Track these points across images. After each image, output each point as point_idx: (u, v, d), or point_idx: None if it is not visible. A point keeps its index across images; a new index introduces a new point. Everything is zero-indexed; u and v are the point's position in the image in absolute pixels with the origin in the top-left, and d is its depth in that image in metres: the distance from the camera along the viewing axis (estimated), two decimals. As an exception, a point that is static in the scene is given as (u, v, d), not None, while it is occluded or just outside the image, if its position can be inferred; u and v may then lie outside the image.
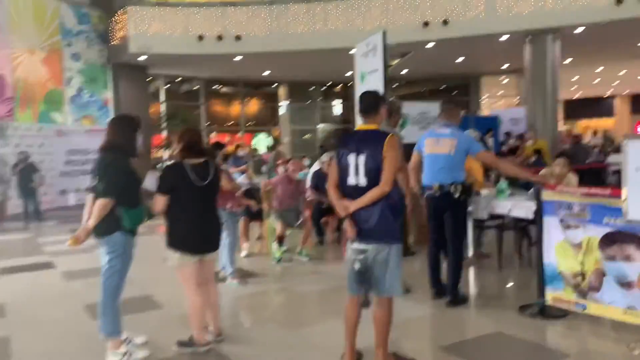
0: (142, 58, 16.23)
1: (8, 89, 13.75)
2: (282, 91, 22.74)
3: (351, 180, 3.43)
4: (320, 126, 22.91)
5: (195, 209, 3.84)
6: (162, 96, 19.82)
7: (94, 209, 3.71)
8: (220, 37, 15.40)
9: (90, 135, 16.18)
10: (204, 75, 20.12)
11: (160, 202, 3.79)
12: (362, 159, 3.38)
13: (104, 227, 3.76)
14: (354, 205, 3.37)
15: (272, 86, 22.96)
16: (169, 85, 20.22)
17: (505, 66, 20.12)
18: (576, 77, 22.64)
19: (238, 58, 16.59)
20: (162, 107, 19.69)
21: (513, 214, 5.56)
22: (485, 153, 4.64)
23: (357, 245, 3.40)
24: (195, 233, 3.83)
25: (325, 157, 8.61)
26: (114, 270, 3.86)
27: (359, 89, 7.74)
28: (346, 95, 23.72)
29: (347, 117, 23.41)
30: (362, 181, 3.38)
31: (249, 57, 16.33)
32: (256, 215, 7.53)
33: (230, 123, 23.09)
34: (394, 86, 21.68)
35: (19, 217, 12.26)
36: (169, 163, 4.24)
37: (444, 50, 16.46)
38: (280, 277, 6.40)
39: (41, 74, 14.78)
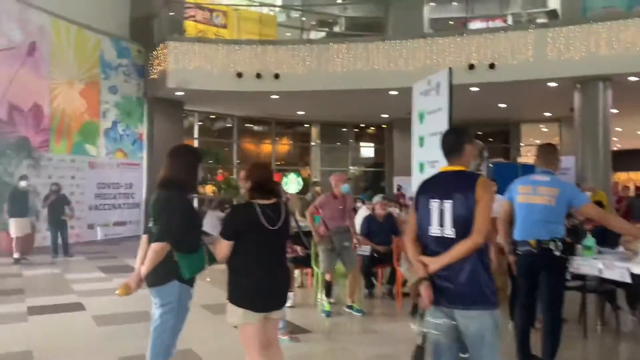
0: (179, 93, 16.06)
1: (45, 120, 13.59)
2: (313, 131, 22.43)
3: (434, 230, 2.84)
4: (352, 169, 22.41)
5: (264, 257, 3.28)
6: (196, 132, 19.61)
7: (148, 254, 3.20)
8: (259, 75, 15.17)
9: (121, 169, 15.96)
10: (237, 113, 19.92)
11: (223, 249, 3.25)
12: (448, 205, 2.80)
13: (158, 275, 3.24)
14: (437, 262, 2.77)
15: (304, 126, 22.68)
16: (202, 122, 20.05)
17: (548, 114, 19.57)
18: (619, 129, 21.88)
19: (275, 97, 16.34)
20: (196, 144, 19.42)
21: (605, 276, 4.89)
22: (591, 206, 4.01)
23: (437, 314, 2.79)
24: (262, 286, 3.26)
25: (377, 199, 8.06)
26: (166, 327, 3.31)
27: (416, 130, 7.24)
28: (379, 137, 23.32)
29: (380, 160, 22.94)
30: (449, 232, 2.79)
31: (286, 95, 16.06)
32: (302, 262, 6.94)
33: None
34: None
35: (46, 250, 11.86)
36: (236, 203, 3.69)
37: (488, 95, 15.97)
38: (332, 334, 5.74)
39: (78, 106, 14.64)
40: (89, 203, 14.68)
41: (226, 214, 3.35)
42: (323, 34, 21.29)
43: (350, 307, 6.37)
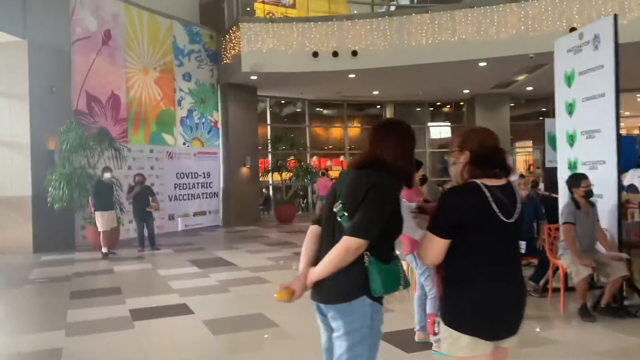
0: (253, 77, 15.29)
1: (122, 110, 13.09)
2: (387, 112, 21.24)
3: None
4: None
5: (499, 262, 2.26)
6: (268, 118, 18.85)
7: (332, 252, 2.24)
8: (335, 54, 14.17)
9: (198, 158, 15.38)
10: (309, 96, 19.02)
11: (435, 250, 2.22)
12: None
13: (342, 287, 2.27)
14: None
15: (377, 107, 21.54)
16: (272, 107, 19.27)
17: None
18: None
19: (352, 76, 15.30)
20: (268, 130, 18.69)
21: None
22: None
23: None
24: (497, 303, 2.22)
25: (513, 178, 6.89)
26: (359, 364, 2.33)
27: (561, 94, 6.04)
28: (457, 116, 21.89)
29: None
30: None
31: (364, 74, 15.00)
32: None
33: (330, 147, 21.83)
34: (512, 105, 19.64)
35: (130, 243, 11.37)
36: (450, 185, 2.54)
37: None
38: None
39: (154, 94, 14.10)
40: (168, 193, 14.17)
41: (440, 200, 2.33)
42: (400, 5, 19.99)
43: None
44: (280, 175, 16.79)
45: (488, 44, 13.42)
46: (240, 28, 14.44)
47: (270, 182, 18.59)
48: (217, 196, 15.92)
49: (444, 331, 2.25)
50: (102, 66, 12.56)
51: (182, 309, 5.81)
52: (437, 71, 14.93)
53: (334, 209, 2.32)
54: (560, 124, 6.05)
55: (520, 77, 16.96)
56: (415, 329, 4.53)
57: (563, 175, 5.94)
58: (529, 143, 23.05)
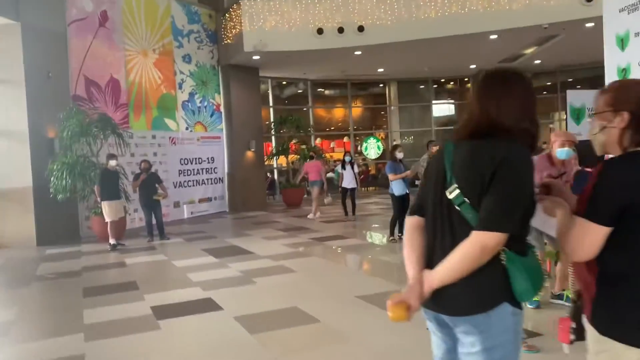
0: (256, 58, 14.67)
1: (123, 94, 12.48)
2: (390, 91, 20.68)
3: None
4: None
5: None
6: (271, 100, 18.25)
7: (464, 252, 1.73)
8: (341, 30, 13.57)
9: (202, 143, 14.83)
10: (312, 76, 18.41)
11: (594, 240, 1.70)
12: None
13: (476, 293, 1.76)
14: None
15: (379, 86, 20.96)
16: (274, 88, 18.66)
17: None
18: None
19: (358, 53, 14.71)
20: (271, 112, 18.11)
21: None
22: None
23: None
24: None
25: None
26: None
27: (612, 60, 5.53)
28: (461, 93, 21.35)
29: (457, 119, 20.98)
30: None
31: (371, 50, 14.41)
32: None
33: (332, 127, 21.32)
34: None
35: (137, 233, 10.87)
36: (614, 156, 1.93)
37: (600, 31, 13.79)
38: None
39: (154, 78, 13.47)
40: (173, 180, 13.63)
41: (598, 177, 1.78)
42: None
43: (558, 296, 4.80)
44: (287, 158, 16.26)
45: (500, 15, 12.86)
46: (241, 6, 13.79)
47: (275, 165, 18.07)
48: (222, 182, 15.39)
49: (597, 343, 1.75)
50: (99, 49, 11.93)
51: (209, 305, 5.32)
52: (446, 45, 14.35)
53: (449, 196, 1.80)
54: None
55: (529, 50, 16.42)
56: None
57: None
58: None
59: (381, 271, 6.63)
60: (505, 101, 1.81)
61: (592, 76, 19.88)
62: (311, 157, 13.74)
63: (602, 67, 19.61)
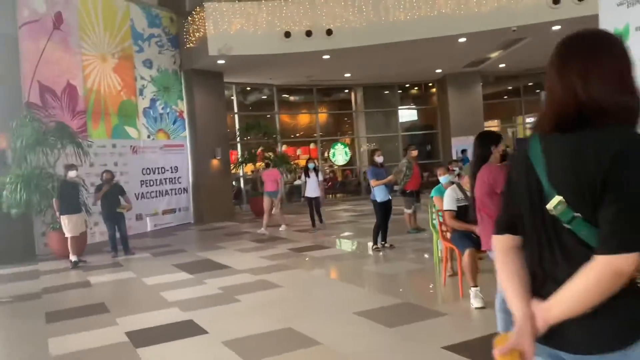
0: (221, 62, 14.14)
1: (80, 101, 11.73)
2: (357, 96, 20.44)
3: None
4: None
5: None
6: (235, 106, 17.70)
7: (591, 279, 1.32)
8: (309, 33, 13.23)
9: (165, 151, 14.17)
10: (277, 81, 17.97)
11: None
12: None
13: (610, 327, 1.34)
14: None
15: (345, 92, 20.70)
16: (239, 94, 18.11)
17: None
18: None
19: (326, 57, 14.38)
20: (236, 119, 17.54)
21: None
22: None
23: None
24: None
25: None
26: None
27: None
28: (426, 97, 21.31)
29: (428, 122, 20.96)
30: None
31: (339, 54, 14.11)
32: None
33: (298, 134, 20.92)
34: (481, 84, 19.15)
35: (99, 249, 10.16)
36: None
37: (565, 34, 13.89)
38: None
39: (114, 84, 12.76)
40: (135, 191, 12.89)
41: None
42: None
43: None
44: (254, 165, 15.73)
45: (469, 17, 12.79)
46: (205, 8, 13.25)
47: (241, 173, 17.51)
48: (186, 192, 14.74)
49: None
50: (54, 53, 11.16)
51: (192, 328, 4.79)
52: (414, 49, 14.20)
53: (552, 211, 1.39)
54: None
55: (495, 54, 16.47)
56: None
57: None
58: (496, 122, 22.82)
59: (374, 283, 6.23)
60: (596, 70, 1.41)
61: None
62: (267, 165, 12.37)
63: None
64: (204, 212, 14.73)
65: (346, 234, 10.59)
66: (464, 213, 5.04)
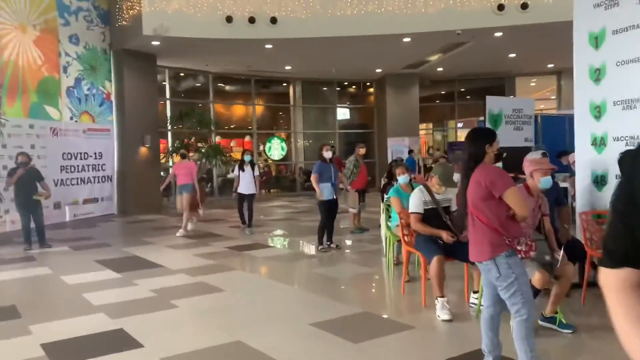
0: (155, 43, 13.17)
1: (-7, 74, 10.48)
2: (295, 90, 19.89)
3: None
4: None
5: None
6: (168, 92, 16.67)
7: None
8: (252, 20, 12.56)
9: (89, 135, 13.04)
10: (214, 69, 17.11)
11: None
12: None
13: None
14: None
15: (283, 85, 20.11)
16: (172, 79, 17.08)
17: (550, 65, 18.02)
18: None
19: (269, 46, 13.76)
20: (167, 106, 16.53)
21: None
22: None
23: None
24: None
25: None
26: None
27: (583, 59, 5.11)
28: (364, 96, 21.13)
29: (366, 121, 20.78)
30: None
31: (282, 45, 13.55)
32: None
33: (232, 125, 20.12)
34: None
35: (10, 240, 9.07)
36: None
37: (505, 42, 14.09)
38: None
39: (34, 58, 11.52)
40: (53, 177, 11.71)
41: None
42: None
43: (550, 319, 4.15)
44: (191, 154, 14.83)
45: (415, 17, 12.60)
46: (141, -16, 12.26)
47: (171, 164, 16.50)
48: (111, 180, 13.64)
49: None
50: (-35, 18, 9.87)
51: (123, 339, 4.10)
52: (358, 45, 13.88)
53: None
54: (582, 94, 5.13)
55: (434, 57, 16.47)
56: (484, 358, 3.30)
57: (584, 154, 5.09)
58: (430, 125, 23.08)
59: (326, 288, 5.71)
60: None
61: (487, 87, 20.60)
62: (183, 156, 10.45)
63: (499, 79, 20.18)
64: (129, 203, 13.71)
65: (287, 232, 10.06)
66: (430, 217, 4.66)
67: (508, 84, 19.61)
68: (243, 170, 9.78)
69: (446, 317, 4.29)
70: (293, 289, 5.70)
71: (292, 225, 10.71)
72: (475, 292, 4.58)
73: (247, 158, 9.84)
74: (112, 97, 13.79)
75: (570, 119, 12.60)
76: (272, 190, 19.18)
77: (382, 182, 9.21)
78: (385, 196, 7.04)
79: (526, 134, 10.94)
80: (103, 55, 13.52)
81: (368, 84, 20.52)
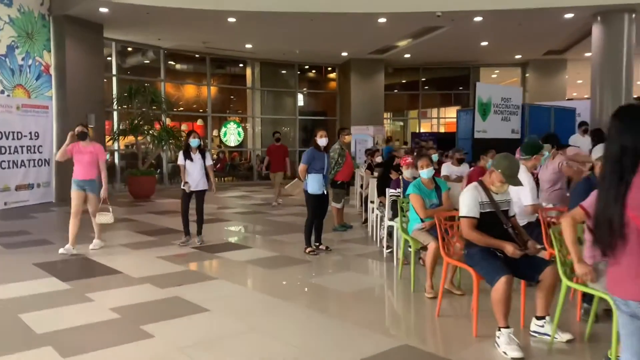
0: (103, 10, 11.55)
1: None
2: (254, 72, 18.52)
3: None
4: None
5: None
6: (114, 68, 14.94)
7: None
8: (216, -12, 11.20)
9: (23, 112, 11.31)
10: (167, 43, 15.51)
11: None
12: None
13: None
14: None
15: (239, 66, 18.69)
16: (119, 54, 15.35)
17: (518, 56, 17.55)
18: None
19: (232, 20, 12.41)
20: (114, 83, 14.83)
21: None
22: None
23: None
24: None
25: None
26: None
27: None
28: (326, 82, 20.01)
29: (327, 107, 19.70)
30: None
31: (246, 18, 12.26)
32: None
33: (182, 107, 18.51)
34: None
35: None
36: None
37: (482, 28, 13.37)
38: None
39: (-44, 17, 9.70)
40: (-21, 160, 9.99)
41: None
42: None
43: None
44: (136, 139, 13.27)
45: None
46: (88, -60, 10.61)
47: (116, 147, 14.84)
48: (48, 164, 11.92)
49: None
50: None
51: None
52: (329, 24, 12.87)
53: None
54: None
55: (404, 42, 15.58)
56: None
57: None
58: (388, 115, 22.25)
59: (336, 308, 4.47)
60: None
61: (451, 76, 19.99)
62: (82, 137, 6.70)
63: (463, 68, 19.65)
64: (69, 191, 11.93)
65: (260, 229, 8.82)
66: (486, 223, 3.64)
67: (473, 74, 19.04)
68: (190, 160, 6.95)
69: (516, 354, 3.29)
70: (298, 308, 4.46)
71: (262, 220, 9.49)
72: (539, 318, 3.62)
73: (194, 143, 6.99)
74: (52, 70, 12.04)
75: (556, 110, 12.08)
76: (226, 179, 17.80)
77: (377, 173, 8.21)
78: (390, 191, 6.01)
79: (513, 125, 10.21)
80: (41, 20, 11.73)
81: (329, 68, 19.43)
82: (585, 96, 16.03)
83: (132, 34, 14.23)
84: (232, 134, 17.73)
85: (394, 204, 5.84)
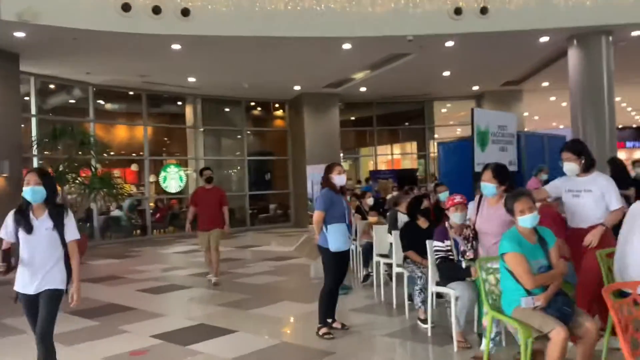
0: (19, 35, 9.44)
1: None
2: (194, 110, 16.60)
3: None
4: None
5: None
6: (33, 107, 12.60)
7: None
8: (157, 10, 9.43)
9: None
10: (96, 79, 13.40)
11: None
12: None
13: None
14: None
15: (177, 104, 16.75)
16: (39, 91, 13.01)
17: (475, 87, 16.76)
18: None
19: (176, 47, 10.63)
20: (33, 124, 12.47)
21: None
22: None
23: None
24: None
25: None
26: None
27: None
28: (276, 119, 18.36)
29: (275, 147, 18.01)
30: None
31: (194, 45, 10.55)
32: None
33: (113, 152, 16.16)
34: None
35: None
36: None
37: (449, 55, 12.32)
38: None
39: None
40: None
41: None
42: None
43: None
44: (62, 188, 10.94)
45: (360, 18, 10.31)
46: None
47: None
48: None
49: None
50: None
51: None
52: (286, 52, 11.42)
53: None
54: None
55: (360, 75, 14.33)
56: None
57: None
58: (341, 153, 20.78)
59: None
60: None
61: (405, 111, 18.97)
62: None
63: (418, 102, 18.50)
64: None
65: (234, 297, 6.69)
66: None
67: (427, 108, 18.11)
68: (29, 232, 3.38)
69: None
70: None
71: (230, 285, 7.44)
72: None
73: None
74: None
75: (549, 137, 11.03)
76: (166, 230, 15.51)
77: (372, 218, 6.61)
78: (436, 244, 4.34)
79: (510, 156, 8.99)
80: (-63, 48, 9.42)
81: (277, 105, 17.85)
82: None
83: (55, 67, 12.02)
84: (172, 179, 15.57)
85: (442, 263, 4.19)
